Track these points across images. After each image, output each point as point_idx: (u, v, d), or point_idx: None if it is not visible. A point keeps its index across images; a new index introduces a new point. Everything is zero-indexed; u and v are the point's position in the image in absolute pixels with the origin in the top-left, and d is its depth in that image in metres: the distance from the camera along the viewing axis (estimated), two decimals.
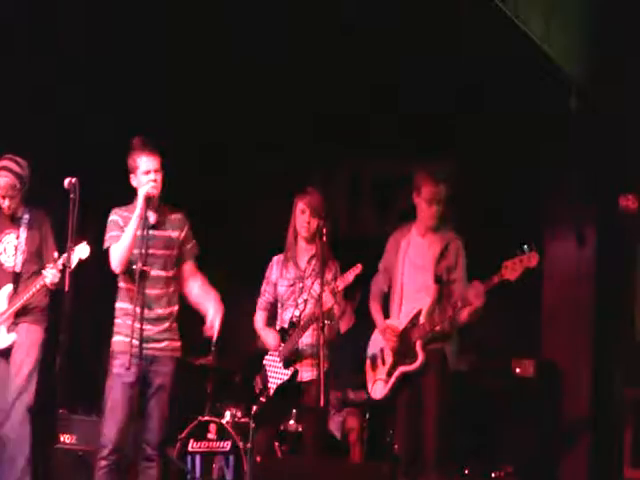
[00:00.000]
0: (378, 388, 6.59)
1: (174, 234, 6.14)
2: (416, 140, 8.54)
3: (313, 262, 6.57)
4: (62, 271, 6.22)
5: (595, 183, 7.93)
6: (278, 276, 6.68)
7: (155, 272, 6.02)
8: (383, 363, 6.59)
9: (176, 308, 6.16)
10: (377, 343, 6.69)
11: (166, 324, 6.07)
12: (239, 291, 7.54)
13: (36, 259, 6.69)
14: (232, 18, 7.64)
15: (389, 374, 6.51)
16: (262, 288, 6.76)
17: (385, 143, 8.81)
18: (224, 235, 9.12)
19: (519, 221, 8.01)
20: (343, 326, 7.80)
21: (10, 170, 6.61)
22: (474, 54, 7.48)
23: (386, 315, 6.64)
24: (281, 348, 6.60)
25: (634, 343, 7.82)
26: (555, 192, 8.18)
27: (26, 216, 6.70)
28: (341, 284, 6.29)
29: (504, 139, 8.16)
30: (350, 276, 6.26)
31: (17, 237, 6.68)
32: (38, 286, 6.47)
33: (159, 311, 6.02)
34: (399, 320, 6.54)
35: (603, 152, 7.86)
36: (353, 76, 8.24)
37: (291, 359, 6.55)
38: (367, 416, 7.66)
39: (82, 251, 6.19)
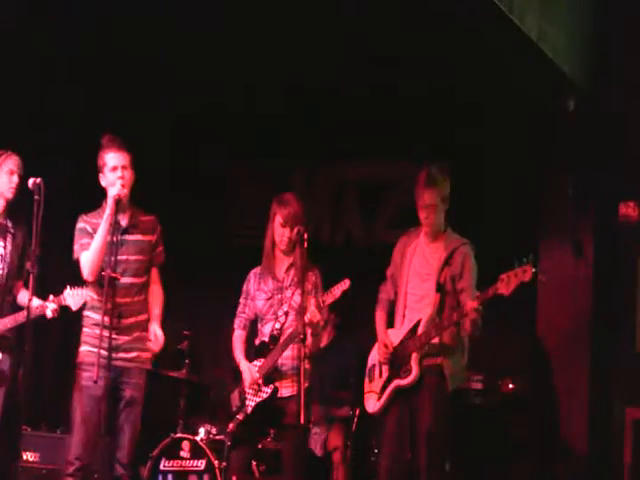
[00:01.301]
0: (371, 402, 6.41)
1: (146, 238, 6.05)
2: (407, 142, 8.37)
3: (292, 272, 6.39)
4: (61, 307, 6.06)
5: (593, 188, 7.71)
6: (256, 289, 6.49)
7: (128, 279, 5.95)
8: (380, 375, 6.39)
9: (146, 317, 6.06)
10: (377, 354, 6.48)
11: (136, 333, 5.98)
12: (218, 301, 7.52)
13: (17, 272, 6.41)
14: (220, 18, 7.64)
15: (383, 388, 6.32)
16: (240, 305, 6.56)
17: (372, 144, 8.65)
18: (202, 243, 8.99)
19: (513, 228, 7.86)
20: (323, 340, 7.65)
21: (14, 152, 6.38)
22: (468, 52, 7.35)
23: (391, 324, 6.45)
24: (260, 364, 6.39)
25: (634, 356, 7.69)
26: (551, 197, 7.96)
27: (9, 223, 6.42)
28: (328, 300, 6.13)
29: (499, 141, 8.02)
30: (337, 292, 6.10)
31: (4, 247, 6.39)
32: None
33: (130, 320, 5.94)
34: (400, 331, 6.33)
35: (602, 155, 7.66)
36: (343, 74, 8.17)
37: (271, 376, 6.32)
38: (352, 434, 7.53)
39: (85, 296, 5.96)
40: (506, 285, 5.79)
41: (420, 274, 6.28)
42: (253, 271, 6.52)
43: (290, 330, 6.26)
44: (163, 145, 8.80)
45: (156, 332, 6.01)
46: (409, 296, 6.30)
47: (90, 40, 7.88)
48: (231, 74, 8.31)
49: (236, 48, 7.91)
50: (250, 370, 6.31)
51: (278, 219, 6.34)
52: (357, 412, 7.47)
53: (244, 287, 6.52)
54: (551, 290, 7.66)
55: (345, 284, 6.06)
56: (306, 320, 6.02)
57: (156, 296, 6.11)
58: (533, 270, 5.76)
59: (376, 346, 6.47)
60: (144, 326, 6.01)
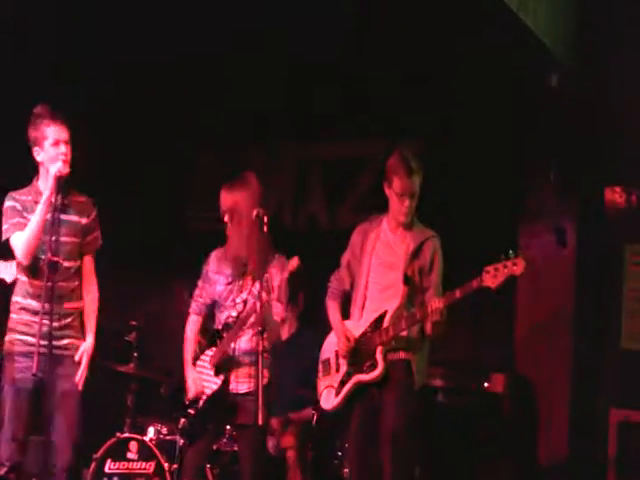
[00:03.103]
0: (328, 397, 6.18)
1: (81, 220, 5.77)
2: (378, 121, 8.15)
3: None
4: None
5: (577, 172, 7.57)
6: (215, 271, 6.20)
7: (62, 261, 5.62)
8: (337, 370, 6.17)
9: (81, 304, 5.74)
10: (332, 346, 6.24)
11: (69, 319, 5.68)
12: (170, 289, 7.50)
13: None
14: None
15: (342, 383, 6.09)
16: (197, 288, 6.29)
17: (339, 122, 8.42)
18: (155, 227, 8.82)
19: (492, 216, 7.68)
20: (284, 333, 7.43)
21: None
22: (446, 25, 7.23)
23: (346, 316, 6.22)
24: (212, 353, 6.11)
25: (620, 352, 7.58)
26: (532, 182, 7.81)
27: None
28: (275, 280, 5.86)
29: (475, 121, 7.79)
30: (284, 273, 5.82)
31: None
32: None
33: (63, 305, 5.64)
34: (359, 322, 6.09)
35: (587, 138, 7.50)
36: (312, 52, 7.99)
37: (223, 366, 6.04)
38: (313, 434, 7.22)
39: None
40: (492, 278, 5.63)
41: (385, 263, 6.08)
42: (214, 252, 6.25)
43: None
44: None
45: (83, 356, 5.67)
46: (371, 286, 6.08)
47: (91, 41, 7.93)
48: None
49: None
50: (195, 383, 6.05)
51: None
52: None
53: (203, 269, 6.26)
54: (532, 281, 7.48)
55: (292, 264, 5.74)
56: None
57: (91, 300, 5.76)
58: (525, 264, 5.56)
59: (330, 338, 6.25)
60: (79, 315, 5.71)
